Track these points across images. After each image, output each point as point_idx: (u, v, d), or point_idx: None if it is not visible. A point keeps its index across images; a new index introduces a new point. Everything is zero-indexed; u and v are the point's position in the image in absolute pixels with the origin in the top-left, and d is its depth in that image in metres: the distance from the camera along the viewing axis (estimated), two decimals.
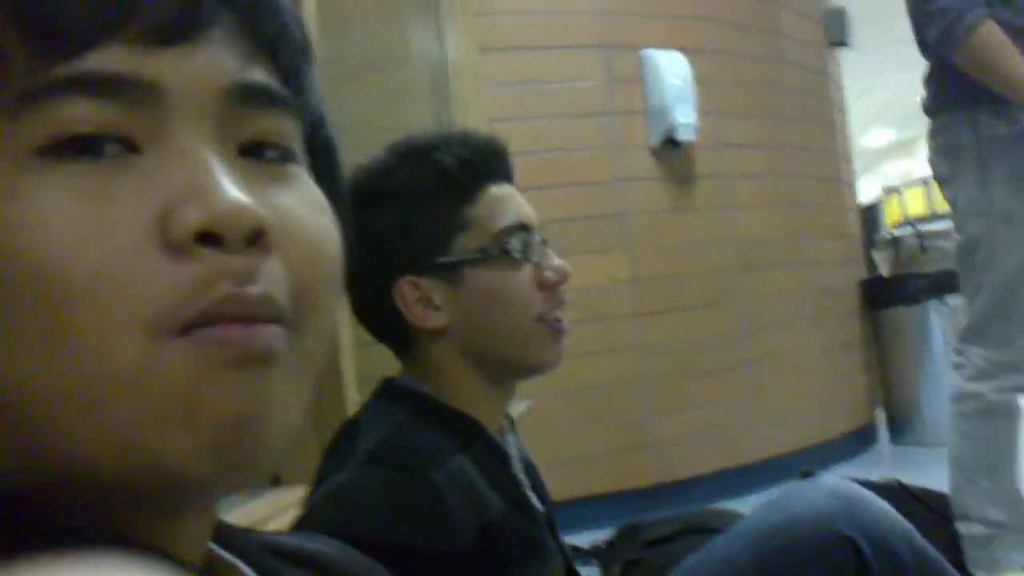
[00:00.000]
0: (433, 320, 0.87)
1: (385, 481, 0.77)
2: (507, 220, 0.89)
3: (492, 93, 2.78)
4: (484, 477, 0.84)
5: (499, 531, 0.82)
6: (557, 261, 0.91)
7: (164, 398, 0.30)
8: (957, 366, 1.96)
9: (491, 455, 0.88)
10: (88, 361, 0.30)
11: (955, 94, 1.87)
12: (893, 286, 3.73)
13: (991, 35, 1.76)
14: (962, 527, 1.90)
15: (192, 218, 0.30)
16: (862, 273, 3.96)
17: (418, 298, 0.87)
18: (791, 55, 3.47)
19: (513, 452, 0.94)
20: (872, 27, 4.49)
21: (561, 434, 2.70)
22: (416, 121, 2.27)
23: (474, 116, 2.52)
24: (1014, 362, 1.88)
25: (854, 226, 4.04)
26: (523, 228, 0.89)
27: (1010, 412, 1.88)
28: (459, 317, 0.88)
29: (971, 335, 1.93)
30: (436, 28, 2.62)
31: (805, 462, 2.79)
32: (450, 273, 0.87)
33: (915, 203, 13.83)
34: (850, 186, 4.04)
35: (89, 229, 0.30)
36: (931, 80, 1.92)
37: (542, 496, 0.96)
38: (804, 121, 3.52)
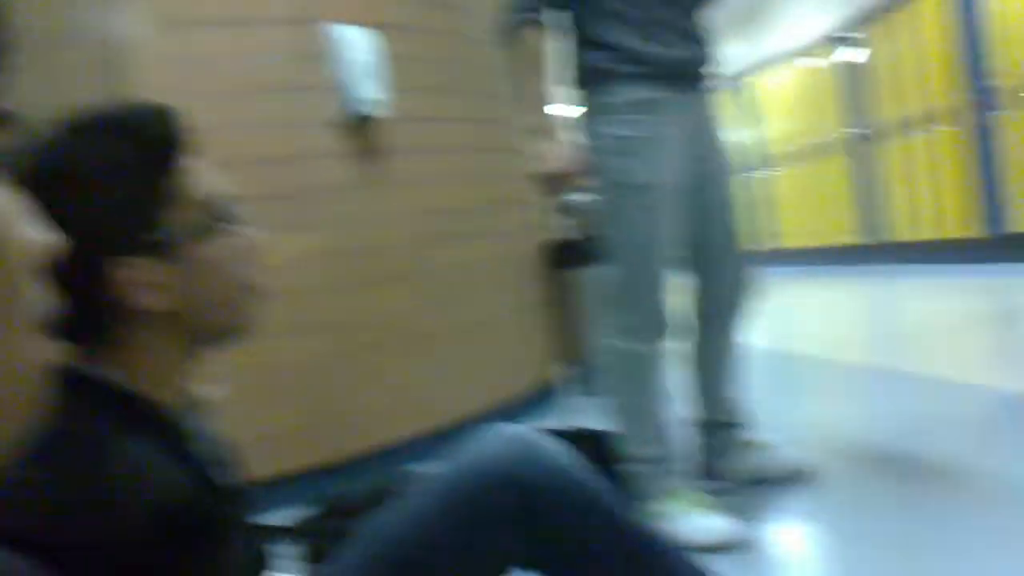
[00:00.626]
0: (152, 300, 0.85)
1: (49, 478, 0.74)
2: (205, 192, 0.88)
3: (171, 70, 2.69)
4: (165, 459, 0.83)
5: (181, 513, 0.81)
6: (253, 230, 0.93)
7: None
8: (600, 323, 2.20)
9: (173, 436, 0.87)
10: None
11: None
12: (576, 248, 4.07)
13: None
14: (626, 464, 2.14)
15: None
16: (548, 238, 4.24)
17: (135, 279, 0.83)
18: (477, 31, 3.61)
19: (200, 430, 0.93)
20: None
21: (256, 412, 2.68)
22: (87, 100, 2.16)
23: (151, 93, 2.43)
24: (642, 318, 2.14)
25: (534, 195, 4.30)
26: (220, 200, 0.90)
27: (644, 360, 2.15)
28: (174, 292, 0.85)
29: (609, 296, 2.17)
30: (107, 3, 2.49)
31: (496, 419, 2.96)
32: (160, 249, 0.84)
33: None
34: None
35: None
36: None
37: (233, 475, 0.96)
38: (488, 96, 3.68)
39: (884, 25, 7.46)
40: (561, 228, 4.31)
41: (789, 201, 9.56)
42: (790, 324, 5.75)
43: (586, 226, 4.04)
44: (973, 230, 6.74)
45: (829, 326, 5.46)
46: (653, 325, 2.15)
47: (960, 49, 6.59)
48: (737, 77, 10.15)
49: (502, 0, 2.19)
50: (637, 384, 2.15)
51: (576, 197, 4.07)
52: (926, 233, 7.32)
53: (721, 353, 2.35)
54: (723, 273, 2.28)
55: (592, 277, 3.70)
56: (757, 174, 10.10)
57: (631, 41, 2.09)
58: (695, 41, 2.20)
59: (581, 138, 2.18)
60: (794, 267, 8.99)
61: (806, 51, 8.80)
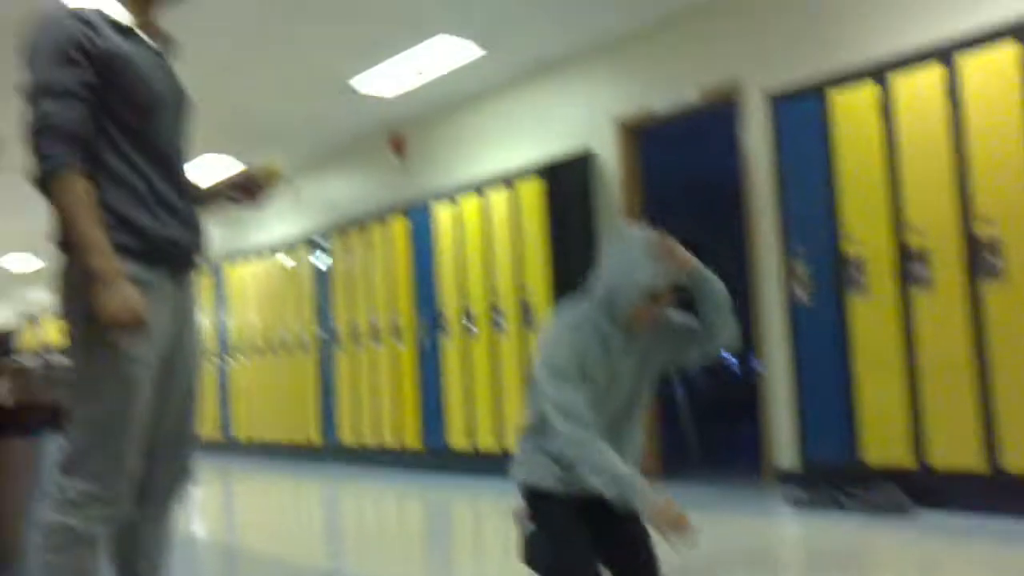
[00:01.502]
0: None
1: None
2: None
3: None
4: None
5: None
6: None
7: None
8: (48, 497, 2.01)
9: None
10: None
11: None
12: (14, 415, 3.66)
13: (77, 189, 1.95)
14: None
15: None
16: None
17: None
18: None
19: None
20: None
21: None
22: None
23: None
24: (103, 495, 2.01)
25: None
26: None
27: (93, 541, 2.01)
28: None
29: (69, 466, 2.02)
30: None
31: None
32: None
33: (53, 331, 13.68)
34: None
35: None
36: (55, 216, 2.02)
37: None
38: None
39: (360, 236, 8.12)
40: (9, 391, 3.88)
41: (253, 393, 9.63)
42: (235, 516, 5.68)
43: (32, 391, 3.71)
44: (414, 441, 7.35)
45: (273, 521, 5.49)
46: (110, 501, 2.02)
47: (416, 273, 7.40)
48: (215, 262, 10.24)
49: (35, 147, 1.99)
50: (83, 564, 1.98)
51: (27, 359, 3.74)
52: (369, 439, 7.82)
53: (149, 538, 2.25)
54: (170, 457, 2.23)
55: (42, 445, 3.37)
56: (224, 362, 10.08)
57: (134, 214, 2.06)
58: (190, 222, 2.22)
59: (56, 301, 2.06)
60: (252, 460, 8.96)
61: (283, 248, 9.21)
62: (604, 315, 2.48)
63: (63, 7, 2.08)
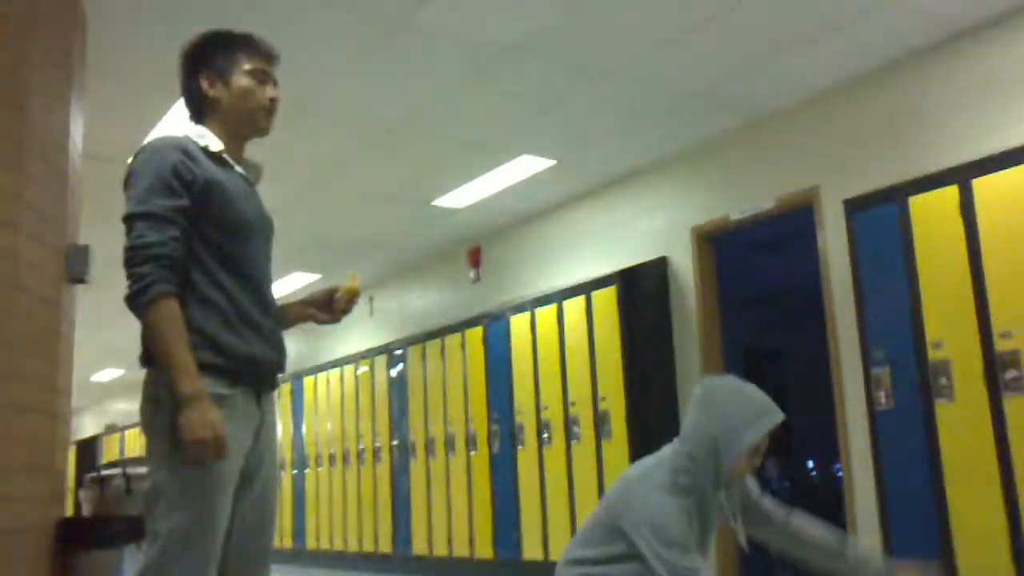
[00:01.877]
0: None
1: None
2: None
3: None
4: None
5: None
6: None
7: None
8: None
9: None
10: None
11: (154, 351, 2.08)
12: (93, 527, 3.69)
13: (167, 311, 2.02)
14: None
15: None
16: (64, 512, 3.84)
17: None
18: (25, 280, 3.41)
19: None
20: (116, 268, 4.66)
21: None
22: None
23: None
24: None
25: (62, 462, 3.95)
26: None
27: None
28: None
29: None
30: None
31: None
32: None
33: (134, 441, 13.87)
34: (65, 422, 3.98)
35: None
36: (143, 333, 2.10)
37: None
38: (30, 352, 3.42)
39: (433, 347, 8.18)
40: (85, 502, 3.94)
41: (325, 502, 9.63)
42: None
43: (112, 504, 3.75)
44: (487, 552, 7.22)
45: None
46: None
47: (490, 383, 7.40)
48: (292, 376, 10.40)
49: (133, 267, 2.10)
50: None
51: (107, 470, 3.80)
52: (442, 549, 7.70)
53: None
54: (245, 572, 2.22)
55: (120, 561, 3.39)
56: (298, 472, 10.13)
57: (219, 333, 2.12)
58: (273, 340, 2.27)
59: (140, 414, 2.11)
60: (323, 570, 8.89)
61: (358, 359, 9.31)
62: (709, 473, 2.39)
63: (165, 137, 2.22)
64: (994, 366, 4.33)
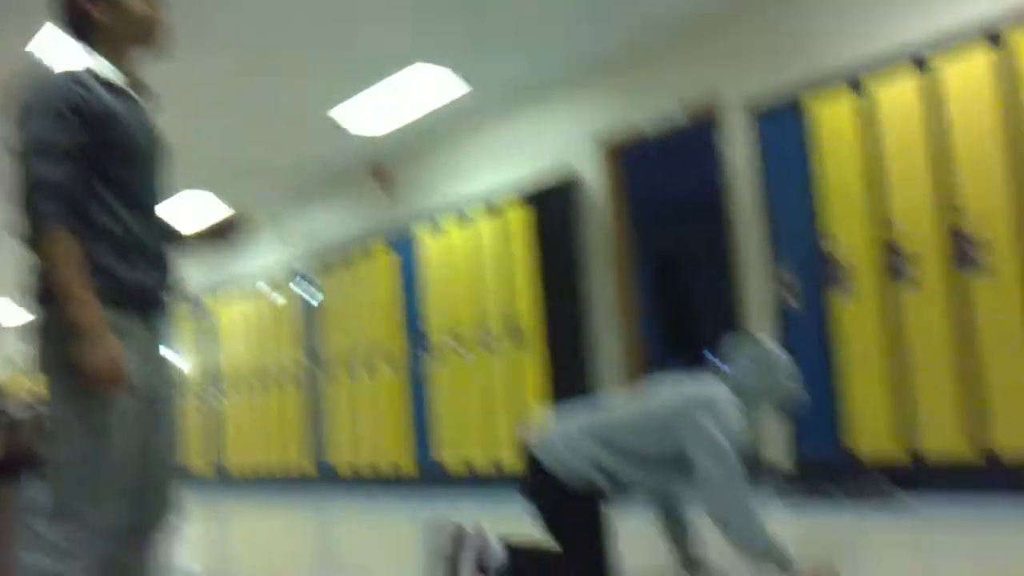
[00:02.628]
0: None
1: None
2: None
3: None
4: None
5: None
6: None
7: None
8: (35, 543, 2.01)
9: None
10: None
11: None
12: (3, 466, 3.64)
13: (66, 246, 2.00)
14: None
15: None
16: None
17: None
18: None
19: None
20: None
21: None
22: None
23: None
24: (89, 538, 2.02)
25: None
26: None
27: None
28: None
29: (55, 513, 2.02)
30: None
31: None
32: None
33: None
34: None
35: None
36: (40, 270, 2.07)
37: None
38: None
39: (343, 268, 8.13)
40: None
41: (241, 426, 9.59)
42: (229, 548, 5.65)
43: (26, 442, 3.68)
44: (406, 463, 7.34)
45: (268, 552, 5.46)
46: (96, 543, 2.02)
47: (402, 300, 7.42)
48: (197, 299, 10.21)
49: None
50: None
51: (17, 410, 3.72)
52: (365, 464, 7.79)
53: (133, 571, 2.24)
54: (155, 492, 2.22)
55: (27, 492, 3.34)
56: (211, 397, 10.04)
57: (110, 262, 2.08)
58: (159, 263, 2.24)
59: (34, 353, 2.07)
60: (243, 491, 8.91)
61: (267, 281, 9.19)
62: (743, 404, 2.90)
63: (55, 68, 2.13)
64: (889, 262, 4.54)
